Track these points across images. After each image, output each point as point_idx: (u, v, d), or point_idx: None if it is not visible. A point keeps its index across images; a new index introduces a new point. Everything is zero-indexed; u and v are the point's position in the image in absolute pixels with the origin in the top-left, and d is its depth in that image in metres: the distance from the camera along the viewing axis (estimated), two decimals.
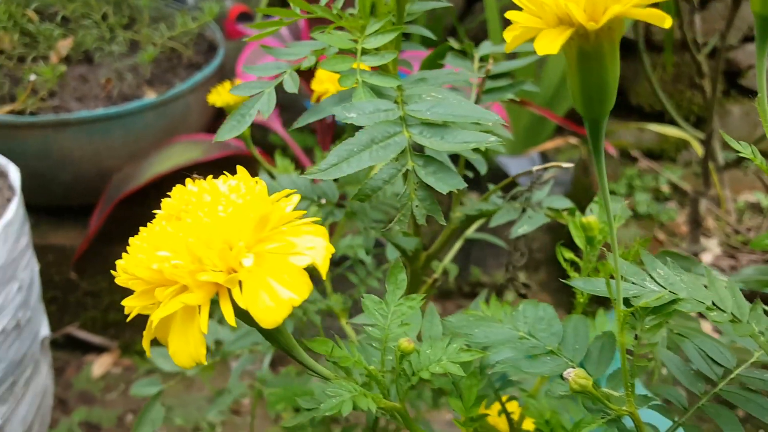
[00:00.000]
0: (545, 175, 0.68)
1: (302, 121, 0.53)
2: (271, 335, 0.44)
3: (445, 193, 0.47)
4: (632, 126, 2.00)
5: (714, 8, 2.17)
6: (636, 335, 0.45)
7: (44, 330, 1.33)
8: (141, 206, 1.57)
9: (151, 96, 1.50)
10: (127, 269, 0.38)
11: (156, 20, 1.68)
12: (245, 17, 1.79)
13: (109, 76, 1.51)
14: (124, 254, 0.39)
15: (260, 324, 0.37)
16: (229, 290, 0.37)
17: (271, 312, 0.37)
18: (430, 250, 0.79)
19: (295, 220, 0.41)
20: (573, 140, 1.74)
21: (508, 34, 0.36)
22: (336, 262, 1.27)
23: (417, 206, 0.48)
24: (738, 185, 2.04)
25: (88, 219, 1.50)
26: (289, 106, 1.85)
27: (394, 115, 0.50)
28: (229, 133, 0.52)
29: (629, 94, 2.22)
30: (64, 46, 1.52)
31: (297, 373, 1.11)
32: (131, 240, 0.39)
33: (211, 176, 0.43)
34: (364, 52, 0.54)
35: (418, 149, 0.49)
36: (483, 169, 0.74)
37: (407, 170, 0.48)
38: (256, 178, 0.42)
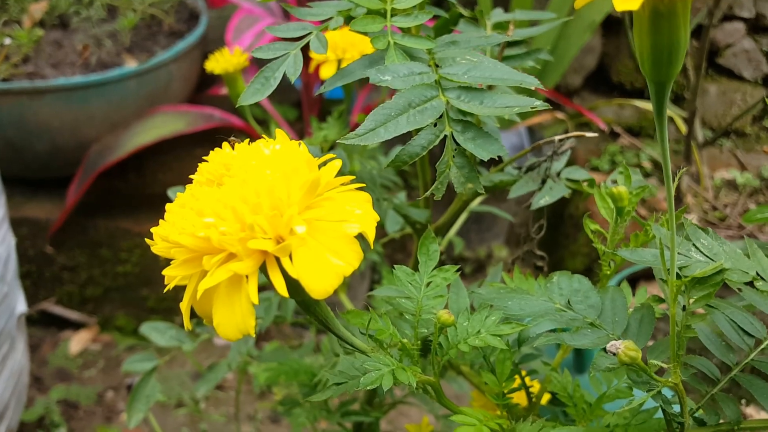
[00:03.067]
0: (564, 145, 0.67)
1: (330, 85, 0.50)
2: (311, 307, 0.42)
3: (486, 160, 0.46)
4: (614, 102, 2.00)
5: None
6: (684, 307, 0.44)
7: (21, 306, 1.28)
8: (121, 179, 1.53)
9: (131, 64, 1.45)
10: (169, 237, 0.35)
11: None
12: None
13: (87, 42, 1.45)
14: (161, 221, 0.37)
15: (311, 294, 0.35)
16: (278, 259, 0.35)
17: (322, 282, 0.35)
18: (439, 223, 0.77)
19: (340, 186, 0.39)
20: (560, 115, 1.73)
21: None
22: None
23: (456, 174, 0.46)
24: (714, 163, 2.06)
25: (64, 191, 1.45)
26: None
27: (430, 79, 0.48)
28: (253, 96, 0.49)
29: (610, 71, 2.22)
30: (38, 9, 1.45)
31: (291, 347, 1.09)
32: (168, 206, 0.37)
33: (248, 139, 0.40)
34: (394, 12, 0.52)
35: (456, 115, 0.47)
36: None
37: (445, 136, 0.46)
38: (300, 142, 0.39)
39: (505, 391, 0.51)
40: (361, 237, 0.38)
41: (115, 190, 1.53)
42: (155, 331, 0.90)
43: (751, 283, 0.44)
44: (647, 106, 1.86)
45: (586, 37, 1.67)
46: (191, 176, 0.39)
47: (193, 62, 1.57)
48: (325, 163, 0.40)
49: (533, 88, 0.46)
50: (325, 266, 0.35)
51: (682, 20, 0.34)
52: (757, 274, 0.45)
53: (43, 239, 1.48)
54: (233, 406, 1.47)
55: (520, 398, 0.65)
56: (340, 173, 0.40)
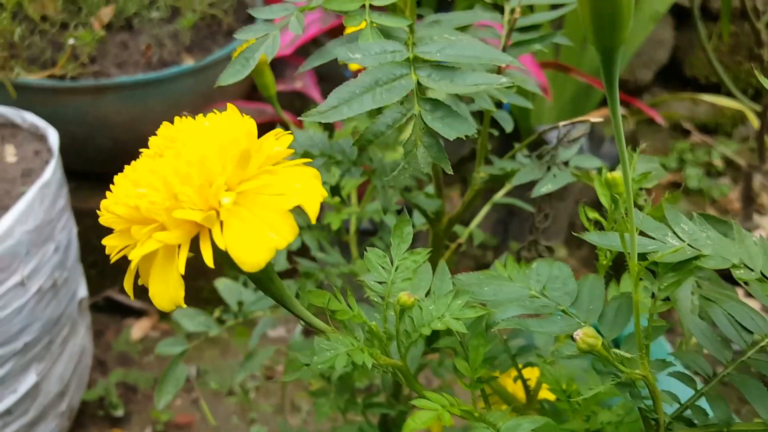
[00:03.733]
0: (574, 133, 0.65)
1: (308, 65, 0.51)
2: (263, 284, 0.42)
3: (452, 139, 0.45)
4: (685, 97, 1.91)
5: None
6: (653, 294, 0.41)
7: (82, 291, 1.35)
8: None
9: (189, 62, 1.50)
10: (108, 207, 0.36)
11: None
12: None
13: (149, 43, 1.51)
14: (107, 192, 0.38)
15: (241, 267, 0.35)
16: (210, 231, 0.36)
17: (251, 254, 0.35)
18: (453, 214, 0.76)
19: (284, 161, 0.39)
20: (621, 110, 1.67)
21: None
22: (367, 231, 1.25)
23: (423, 153, 0.45)
24: None
25: None
26: (328, 76, 1.83)
27: (402, 57, 0.47)
28: (232, 77, 0.50)
29: (684, 65, 2.12)
30: (106, 13, 1.53)
31: None
32: (115, 178, 0.38)
33: (201, 114, 0.41)
34: None
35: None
36: (509, 127, 0.70)
37: (413, 114, 0.45)
38: (247, 117, 0.40)
39: (481, 378, 0.49)
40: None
41: None
42: (186, 317, 0.93)
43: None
44: (720, 100, 1.76)
45: (650, 28, 1.60)
46: (140, 149, 0.40)
47: None
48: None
49: (503, 66, 0.45)
50: (255, 239, 0.35)
51: None
52: (741, 261, 0.42)
53: (107, 230, 1.55)
54: (281, 396, 1.50)
55: (519, 390, 0.63)
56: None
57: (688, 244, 0.42)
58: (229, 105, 0.40)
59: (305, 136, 0.70)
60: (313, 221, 0.37)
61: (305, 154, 0.68)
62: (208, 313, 0.95)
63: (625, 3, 0.33)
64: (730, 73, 2.03)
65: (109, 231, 0.39)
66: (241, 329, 1.00)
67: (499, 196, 0.86)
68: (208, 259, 0.35)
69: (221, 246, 0.35)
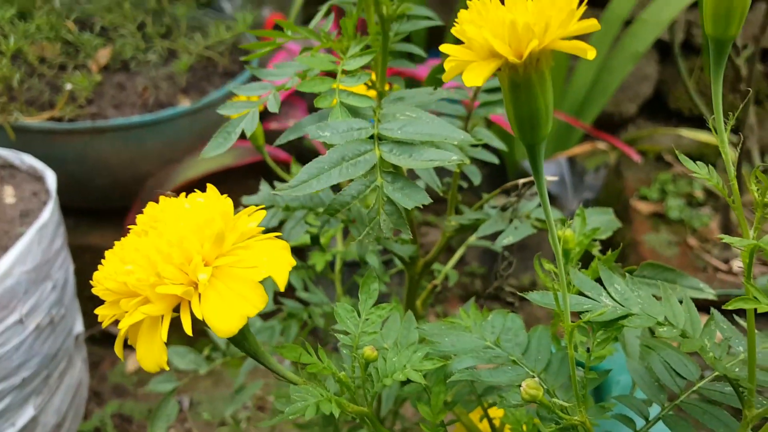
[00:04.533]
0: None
1: (283, 139, 0.56)
2: (238, 342, 0.47)
3: (409, 208, 0.50)
4: (667, 132, 1.97)
5: (759, 9, 2.12)
6: (588, 348, 0.46)
7: (78, 326, 1.40)
8: None
9: (185, 104, 1.56)
10: (100, 281, 0.41)
11: (193, 29, 1.74)
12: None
13: (146, 85, 1.57)
14: (99, 266, 0.43)
15: (217, 333, 0.40)
16: (189, 302, 0.41)
17: (226, 322, 0.40)
18: (428, 257, 0.81)
19: (258, 234, 0.44)
20: (601, 145, 1.73)
21: (447, 65, 0.38)
22: (354, 263, 1.30)
23: (385, 220, 0.50)
24: None
25: (124, 220, 1.57)
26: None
27: (367, 134, 0.52)
28: (215, 149, 0.56)
29: (668, 98, 2.19)
30: (103, 55, 1.59)
31: None
32: (106, 253, 0.43)
33: (184, 193, 0.46)
34: (345, 72, 0.57)
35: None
36: (477, 180, 0.75)
37: (376, 186, 0.51)
38: (223, 198, 0.45)
39: (441, 423, 0.54)
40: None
41: None
42: (177, 355, 0.98)
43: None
44: (698, 135, 1.82)
45: (629, 67, 1.66)
46: (129, 227, 0.45)
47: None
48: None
49: (455, 143, 0.50)
50: (229, 309, 0.40)
51: (540, 89, 0.38)
52: (666, 319, 0.47)
53: None
54: (271, 427, 1.54)
55: (485, 428, 0.68)
56: None
57: (619, 303, 0.47)
58: (208, 186, 0.45)
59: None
60: (282, 289, 0.42)
61: (287, 208, 0.73)
62: (197, 351, 1.00)
63: (543, 107, 0.38)
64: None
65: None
66: (234, 361, 1.05)
67: (472, 240, 0.92)
68: (187, 328, 0.40)
69: (198, 316, 0.40)
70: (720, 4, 0.40)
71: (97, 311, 0.42)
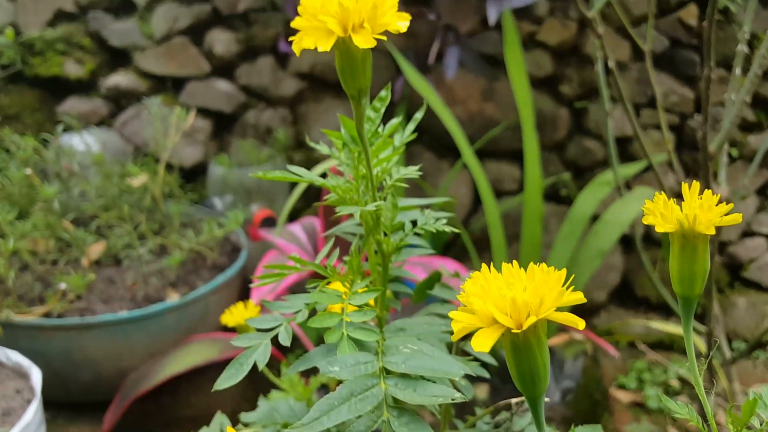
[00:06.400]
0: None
1: (293, 370, 0.60)
2: None
3: None
4: (637, 322, 2.05)
5: None
6: None
7: None
8: (155, 403, 1.62)
9: (173, 297, 1.60)
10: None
11: (185, 225, 1.82)
12: (269, 221, 1.94)
13: (136, 279, 1.62)
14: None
15: None
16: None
17: None
18: None
19: None
20: (578, 336, 1.78)
21: (455, 326, 0.43)
22: None
23: None
24: (748, 377, 2.03)
25: (103, 414, 1.54)
26: None
27: (373, 368, 0.57)
28: (227, 381, 0.59)
29: (635, 287, 2.29)
30: (96, 250, 1.65)
31: None
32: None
33: None
34: (350, 308, 0.62)
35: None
36: (469, 393, 0.79)
37: (383, 420, 0.54)
38: None
39: None
40: None
41: (149, 414, 1.61)
42: None
43: None
44: (667, 327, 1.90)
45: (596, 264, 1.76)
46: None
47: (231, 292, 1.72)
48: None
49: (456, 379, 0.54)
50: None
51: (538, 351, 0.43)
52: None
53: None
54: None
55: None
56: None
57: None
58: None
59: (285, 407, 0.77)
60: None
61: (285, 425, 0.75)
62: None
63: (541, 365, 0.43)
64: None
65: None
66: None
67: None
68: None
69: None
70: (684, 271, 0.47)
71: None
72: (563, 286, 0.41)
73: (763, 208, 2.26)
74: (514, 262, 0.44)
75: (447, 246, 2.28)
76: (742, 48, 1.30)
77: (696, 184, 0.47)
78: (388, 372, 0.56)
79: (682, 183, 0.47)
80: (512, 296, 0.40)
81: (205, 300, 1.61)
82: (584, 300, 0.41)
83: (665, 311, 2.25)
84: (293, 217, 2.13)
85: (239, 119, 2.30)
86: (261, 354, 0.60)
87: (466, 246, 2.10)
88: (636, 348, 2.17)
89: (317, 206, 1.74)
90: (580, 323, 0.40)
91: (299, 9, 0.55)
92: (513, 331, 0.41)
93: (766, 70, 1.27)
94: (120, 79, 2.24)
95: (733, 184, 2.14)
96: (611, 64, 1.48)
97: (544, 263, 0.42)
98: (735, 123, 1.30)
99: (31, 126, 2.20)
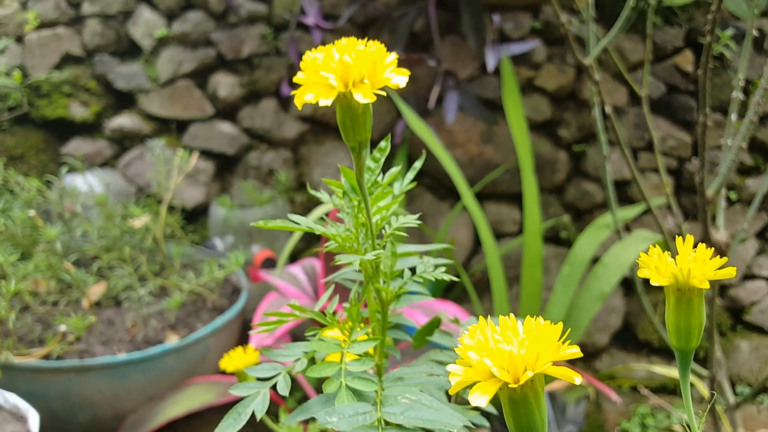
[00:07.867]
0: None
1: (291, 420, 0.60)
2: None
3: None
4: (640, 367, 2.04)
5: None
6: None
7: None
8: None
9: (173, 339, 1.60)
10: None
11: (186, 266, 1.83)
12: (270, 263, 1.94)
13: (135, 321, 1.62)
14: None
15: None
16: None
17: None
18: None
19: None
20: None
21: (452, 378, 0.44)
22: None
23: None
24: (752, 423, 2.01)
25: None
26: None
27: (372, 418, 0.56)
28: (226, 431, 0.59)
29: (636, 330, 2.28)
30: (96, 291, 1.65)
31: None
32: None
33: None
34: (348, 357, 0.62)
35: None
36: None
37: None
38: None
39: None
40: None
41: None
42: None
43: None
44: (669, 372, 1.88)
45: (597, 306, 1.76)
46: None
47: (231, 333, 1.71)
48: None
49: (455, 431, 0.54)
50: None
51: (535, 404, 0.43)
52: None
53: None
54: None
55: None
56: None
57: None
58: None
59: None
60: None
61: None
62: None
63: (539, 418, 0.43)
64: None
65: None
66: None
67: None
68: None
69: None
70: (680, 324, 0.47)
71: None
72: (559, 339, 0.41)
73: (763, 251, 2.26)
74: (511, 315, 0.44)
75: (447, 288, 2.28)
76: (737, 95, 1.32)
77: (690, 238, 0.48)
78: (387, 423, 0.56)
79: (681, 227, 0.48)
80: (509, 352, 0.40)
81: (205, 342, 1.60)
82: (580, 354, 0.41)
83: (668, 355, 2.23)
84: (294, 258, 2.14)
85: (241, 161, 2.33)
86: (259, 403, 0.60)
87: (466, 288, 2.10)
88: (639, 392, 2.15)
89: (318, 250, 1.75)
90: (576, 376, 0.40)
91: (301, 64, 0.56)
92: (510, 385, 0.41)
93: (762, 115, 1.29)
94: (124, 120, 2.28)
95: (732, 227, 2.15)
96: (608, 109, 1.51)
97: (540, 317, 0.42)
98: (732, 168, 1.31)
99: (35, 167, 2.23)
